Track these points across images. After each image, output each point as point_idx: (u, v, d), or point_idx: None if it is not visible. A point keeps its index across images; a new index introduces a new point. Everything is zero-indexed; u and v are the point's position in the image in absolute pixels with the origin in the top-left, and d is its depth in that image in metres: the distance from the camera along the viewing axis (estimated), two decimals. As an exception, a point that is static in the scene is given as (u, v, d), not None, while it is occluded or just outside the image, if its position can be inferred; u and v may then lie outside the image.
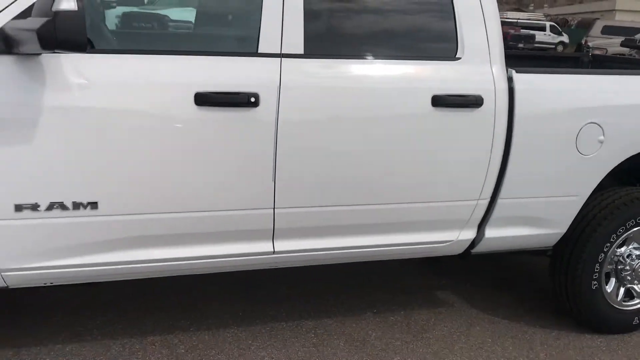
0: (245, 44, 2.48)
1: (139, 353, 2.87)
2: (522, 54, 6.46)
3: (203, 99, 2.32)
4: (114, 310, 3.23)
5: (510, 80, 2.81)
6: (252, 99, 2.38)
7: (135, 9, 2.78)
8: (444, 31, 2.74)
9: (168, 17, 2.76)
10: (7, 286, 2.38)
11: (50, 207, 2.25)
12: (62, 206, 2.26)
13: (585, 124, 2.93)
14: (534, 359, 3.07)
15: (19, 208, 2.22)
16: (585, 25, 31.93)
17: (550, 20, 42.29)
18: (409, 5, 2.77)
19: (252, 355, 2.92)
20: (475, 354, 3.08)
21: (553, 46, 33.81)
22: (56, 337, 2.94)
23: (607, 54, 14.19)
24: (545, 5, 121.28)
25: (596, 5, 74.83)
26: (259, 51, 2.44)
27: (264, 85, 2.41)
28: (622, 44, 12.91)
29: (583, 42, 21.13)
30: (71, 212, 2.28)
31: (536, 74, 2.93)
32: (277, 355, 2.93)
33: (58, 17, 1.87)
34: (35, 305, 3.22)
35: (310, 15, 2.50)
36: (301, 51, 2.49)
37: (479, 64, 2.74)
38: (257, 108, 2.40)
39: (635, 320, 3.38)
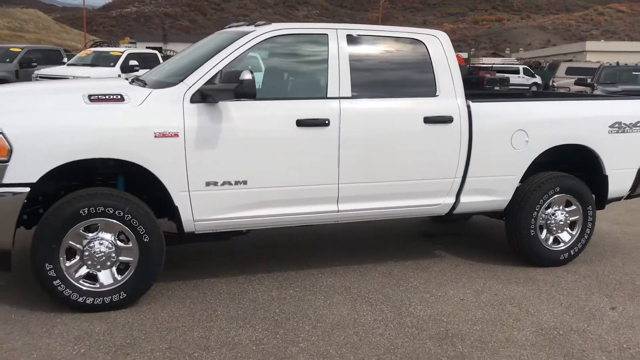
0: (320, 92, 4.43)
1: (252, 285, 4.71)
2: (492, 92, 8.52)
3: (301, 122, 4.28)
4: (228, 262, 5.09)
5: (469, 107, 4.80)
6: (326, 122, 4.34)
7: (275, 74, 4.64)
8: (429, 81, 4.74)
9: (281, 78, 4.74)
10: (194, 231, 4.27)
11: (223, 183, 4.16)
12: (229, 183, 4.18)
13: (516, 130, 4.91)
14: (497, 278, 4.94)
15: (207, 184, 4.13)
16: (556, 67, 34.29)
17: (523, 64, 44.85)
18: (408, 66, 4.77)
19: (323, 282, 4.77)
20: (459, 277, 4.96)
21: (527, 87, 36.16)
22: (190, 280, 4.79)
23: (570, 92, 16.38)
24: (521, 49, 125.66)
25: (568, 47, 78.75)
26: (327, 96, 4.42)
27: (332, 114, 4.37)
28: (575, 83, 15.18)
29: (550, 82, 23.50)
30: (233, 187, 4.19)
31: (485, 102, 4.93)
32: (340, 280, 4.79)
33: (243, 82, 3.84)
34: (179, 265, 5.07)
35: (354, 76, 4.49)
36: (349, 95, 4.46)
37: (449, 98, 4.74)
38: (329, 127, 4.35)
39: (562, 257, 5.28)
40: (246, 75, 3.85)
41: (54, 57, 19.00)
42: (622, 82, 13.95)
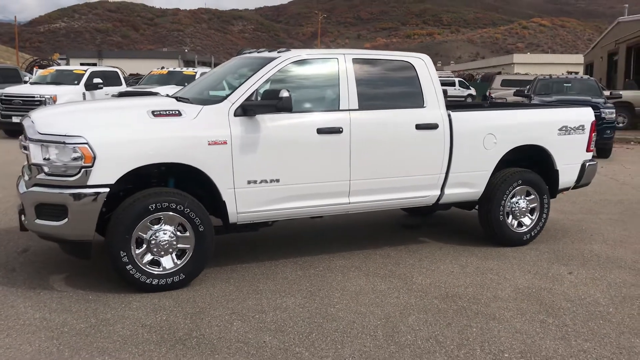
0: (334, 106, 5.41)
1: (279, 268, 5.61)
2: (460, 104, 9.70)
3: (320, 130, 5.24)
4: (252, 252, 5.96)
5: (449, 115, 5.88)
6: (340, 129, 5.32)
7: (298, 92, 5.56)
8: (417, 95, 5.80)
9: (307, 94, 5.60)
10: (237, 222, 5.14)
11: (261, 182, 5.07)
12: (265, 181, 5.08)
13: (487, 134, 6.03)
14: (475, 256, 6.02)
15: (248, 182, 5.02)
16: (489, 79, 36.33)
17: (457, 76, 47.07)
18: (401, 83, 5.83)
19: (336, 263, 5.71)
20: (445, 256, 6.00)
21: (463, 99, 38.14)
22: (227, 266, 5.65)
23: (506, 102, 17.89)
24: (452, 62, 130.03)
25: (497, 60, 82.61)
26: (340, 108, 5.40)
27: (344, 123, 5.35)
28: (515, 94, 16.78)
29: (487, 93, 25.28)
30: (268, 184, 5.10)
31: (461, 111, 6.03)
32: (349, 261, 5.74)
33: (283, 99, 4.78)
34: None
35: (360, 92, 5.49)
36: (357, 107, 5.46)
37: (434, 108, 5.81)
38: (342, 133, 5.33)
39: (525, 237, 6.41)
40: (285, 93, 4.79)
41: (12, 76, 19.22)
42: (555, 93, 15.55)
